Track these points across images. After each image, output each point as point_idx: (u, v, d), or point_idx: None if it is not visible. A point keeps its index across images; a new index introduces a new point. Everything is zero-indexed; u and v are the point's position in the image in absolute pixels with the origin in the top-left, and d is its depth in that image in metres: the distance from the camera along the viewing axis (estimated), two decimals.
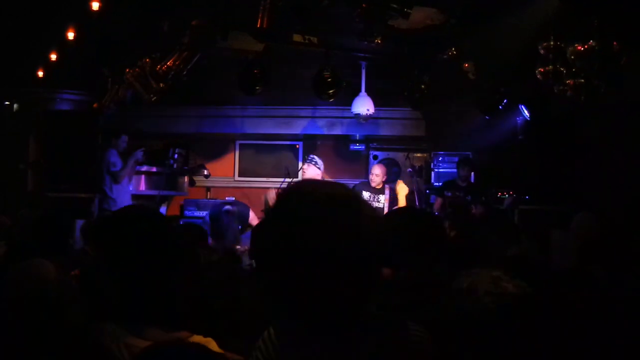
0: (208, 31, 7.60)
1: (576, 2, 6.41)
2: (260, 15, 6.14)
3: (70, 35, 8.02)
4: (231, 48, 8.15)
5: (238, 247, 9.87)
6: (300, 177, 9.60)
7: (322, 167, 9.54)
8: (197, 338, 2.17)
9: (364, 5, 6.02)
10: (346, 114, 10.85)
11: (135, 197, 10.46)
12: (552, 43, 7.02)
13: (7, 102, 10.45)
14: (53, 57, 8.79)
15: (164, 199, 11.44)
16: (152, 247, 2.24)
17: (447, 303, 2.47)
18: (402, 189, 9.45)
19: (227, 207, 7.79)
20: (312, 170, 9.45)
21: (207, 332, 3.19)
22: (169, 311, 2.21)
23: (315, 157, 9.69)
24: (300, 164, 9.63)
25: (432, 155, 11.66)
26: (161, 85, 8.30)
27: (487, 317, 2.27)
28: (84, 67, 9.46)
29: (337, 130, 12.26)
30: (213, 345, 2.17)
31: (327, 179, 9.81)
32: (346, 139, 12.49)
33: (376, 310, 2.69)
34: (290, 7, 6.35)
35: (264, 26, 6.03)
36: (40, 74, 9.41)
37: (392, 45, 8.55)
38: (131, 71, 8.59)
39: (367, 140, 12.38)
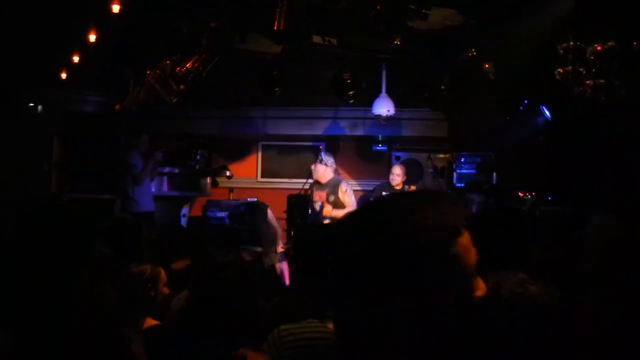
0: (226, 33, 7.65)
1: (593, 2, 6.35)
2: (277, 17, 6.17)
3: (92, 37, 8.11)
4: (249, 50, 8.19)
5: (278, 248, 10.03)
6: (313, 176, 9.59)
7: (330, 163, 9.54)
8: None
9: (378, 7, 6.02)
10: (368, 115, 10.84)
11: (157, 198, 10.53)
12: (571, 43, 6.98)
13: (31, 104, 10.56)
14: (76, 59, 8.89)
15: (186, 200, 11.52)
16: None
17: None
18: (343, 194, 9.49)
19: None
20: (321, 169, 9.46)
21: (219, 331, 3.23)
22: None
23: (324, 155, 9.69)
24: (317, 163, 9.61)
25: (454, 156, 11.62)
26: (181, 87, 8.37)
27: (507, 315, 2.26)
28: (107, 68, 9.56)
29: (360, 131, 12.27)
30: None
31: (339, 174, 9.82)
32: (369, 140, 12.49)
33: None
34: (306, 9, 6.36)
35: (281, 28, 6.06)
36: (64, 75, 9.52)
37: (411, 47, 8.54)
38: (152, 73, 8.67)
39: (389, 141, 12.36)
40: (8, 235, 2.53)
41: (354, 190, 11.82)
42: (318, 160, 9.54)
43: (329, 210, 9.23)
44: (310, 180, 9.91)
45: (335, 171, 9.75)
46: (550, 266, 4.25)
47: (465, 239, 1.35)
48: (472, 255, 1.35)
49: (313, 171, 9.57)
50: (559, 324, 2.24)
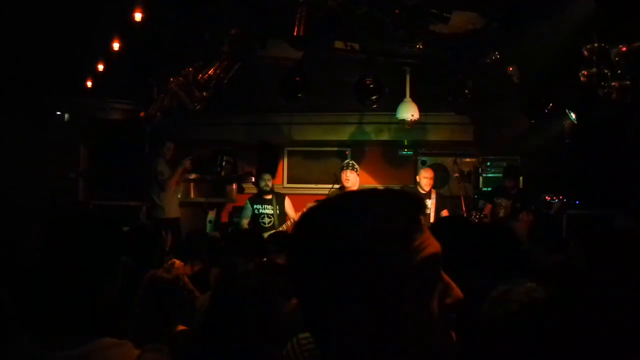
0: (247, 40, 7.68)
1: (616, 3, 6.27)
2: (296, 23, 6.18)
3: (116, 45, 8.18)
4: (270, 56, 8.20)
5: None
6: (344, 185, 9.54)
7: (358, 170, 9.59)
8: (112, 341, 2.12)
9: (397, 11, 6.01)
10: (393, 120, 10.79)
11: (183, 204, 10.59)
12: (595, 44, 6.91)
13: (58, 112, 10.68)
14: (100, 67, 8.98)
15: (211, 206, 11.57)
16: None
17: (478, 311, 2.46)
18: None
19: None
20: (353, 177, 9.46)
21: (238, 339, 3.23)
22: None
23: (352, 162, 9.69)
24: (344, 172, 9.56)
25: (480, 161, 11.56)
26: (204, 93, 8.41)
27: (514, 324, 2.25)
28: (131, 76, 9.63)
29: (385, 136, 12.23)
30: (129, 346, 2.15)
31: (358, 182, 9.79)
32: (394, 145, 12.44)
33: None
34: (325, 15, 6.37)
35: (301, 34, 6.07)
36: (89, 84, 9.61)
37: (434, 51, 8.51)
38: (175, 80, 8.72)
39: (415, 145, 12.32)
40: (37, 243, 2.54)
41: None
42: (350, 167, 9.52)
43: None
44: (336, 186, 9.91)
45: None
46: (565, 269, 4.21)
47: (419, 237, 1.24)
48: (428, 255, 1.23)
49: (344, 179, 9.53)
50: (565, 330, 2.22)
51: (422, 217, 1.28)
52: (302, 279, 1.26)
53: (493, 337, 2.31)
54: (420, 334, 1.20)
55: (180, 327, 4.08)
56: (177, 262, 6.01)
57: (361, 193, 1.32)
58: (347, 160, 9.87)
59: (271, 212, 10.11)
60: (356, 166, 9.63)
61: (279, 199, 10.31)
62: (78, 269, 2.17)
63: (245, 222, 10.05)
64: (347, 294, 1.19)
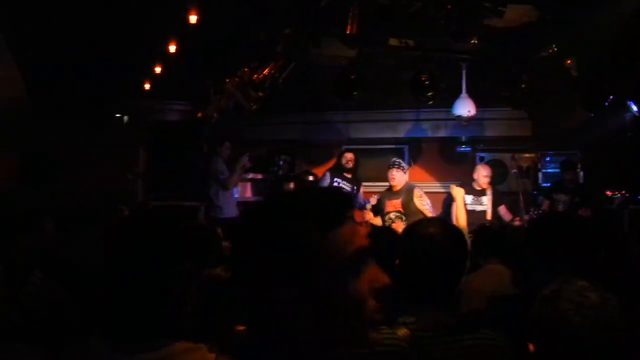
0: (300, 39, 7.71)
1: None
2: (349, 21, 6.19)
3: (172, 48, 8.29)
4: (324, 55, 8.22)
5: None
6: (390, 183, 9.51)
7: (406, 168, 9.52)
8: (187, 345, 2.13)
9: (449, 6, 5.97)
10: (451, 116, 10.70)
11: (241, 203, 10.67)
12: None
13: (117, 115, 10.88)
14: (158, 69, 9.11)
15: None
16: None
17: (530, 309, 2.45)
18: (458, 193, 9.28)
19: None
20: (399, 175, 9.39)
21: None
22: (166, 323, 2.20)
23: (398, 160, 9.62)
24: (389, 170, 9.55)
25: (539, 156, 11.40)
26: (259, 94, 8.47)
27: (563, 324, 2.23)
28: (188, 78, 9.75)
29: (442, 133, 12.16)
30: (204, 350, 2.16)
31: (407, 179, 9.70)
32: (452, 141, 12.35)
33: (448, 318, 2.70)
34: (378, 13, 6.36)
35: (354, 32, 6.08)
36: (147, 86, 9.77)
37: (489, 45, 8.43)
38: (231, 81, 8.80)
39: (472, 141, 12.21)
40: (98, 245, 2.56)
41: (438, 193, 11.79)
42: (396, 166, 9.46)
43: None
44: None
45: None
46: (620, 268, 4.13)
47: (346, 229, 1.46)
48: (354, 246, 1.46)
49: (390, 178, 9.49)
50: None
51: (351, 213, 1.51)
52: (250, 269, 1.46)
53: (543, 335, 2.29)
54: (346, 311, 1.44)
55: (240, 327, 4.10)
56: None
57: (297, 194, 1.62)
58: (393, 159, 9.79)
59: (349, 189, 10.22)
60: (402, 164, 9.55)
61: (357, 182, 10.52)
62: (144, 271, 2.19)
63: None
64: (288, 280, 1.40)
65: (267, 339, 1.46)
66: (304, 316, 1.41)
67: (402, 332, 2.63)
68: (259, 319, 1.48)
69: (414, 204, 9.18)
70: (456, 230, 2.99)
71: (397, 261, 2.86)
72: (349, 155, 10.45)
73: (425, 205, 9.21)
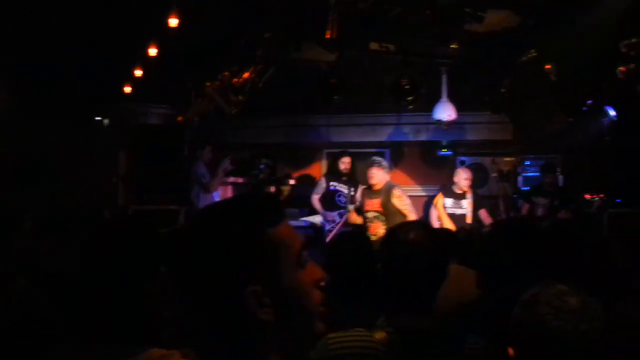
0: (280, 43, 7.71)
1: None
2: (329, 26, 6.20)
3: (153, 51, 8.27)
4: (304, 59, 8.23)
5: None
6: (369, 182, 9.50)
7: (386, 167, 9.48)
8: (160, 352, 2.13)
9: (427, 11, 6.00)
10: (431, 120, 10.75)
11: None
12: (633, 40, 6.81)
13: (98, 118, 10.83)
14: (138, 73, 9.09)
15: None
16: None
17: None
18: (397, 199, 9.29)
19: None
20: (379, 173, 9.35)
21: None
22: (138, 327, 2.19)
23: (379, 158, 9.60)
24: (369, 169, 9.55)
25: (519, 160, 11.45)
26: (240, 97, 8.47)
27: (542, 328, 2.24)
28: (170, 81, 9.72)
29: (423, 137, 12.20)
30: (177, 357, 2.14)
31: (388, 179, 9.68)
32: (433, 145, 12.37)
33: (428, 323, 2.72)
34: (357, 17, 6.38)
35: (333, 36, 6.09)
36: (128, 89, 9.73)
37: (470, 50, 8.46)
38: (212, 84, 8.80)
39: (454, 145, 12.24)
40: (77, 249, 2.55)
41: (419, 196, 11.82)
42: (376, 164, 9.41)
43: (378, 231, 9.11)
44: (362, 186, 9.92)
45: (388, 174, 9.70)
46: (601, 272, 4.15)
47: (284, 226, 1.56)
48: (297, 241, 1.57)
49: (370, 176, 9.46)
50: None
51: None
52: (205, 274, 1.52)
53: (522, 340, 2.30)
54: (299, 299, 1.54)
55: None
56: None
57: (231, 201, 1.70)
58: (374, 157, 9.76)
59: (346, 192, 10.28)
60: (383, 163, 9.48)
61: (355, 185, 10.49)
62: (118, 275, 2.18)
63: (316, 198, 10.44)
64: (250, 279, 1.48)
65: (233, 341, 1.51)
66: (267, 312, 1.49)
67: (380, 335, 2.64)
68: (223, 323, 1.52)
69: (393, 204, 9.15)
70: (437, 234, 3.00)
71: (379, 265, 2.87)
72: (346, 159, 10.44)
73: (404, 205, 9.19)
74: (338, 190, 10.37)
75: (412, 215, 9.17)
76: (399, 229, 2.96)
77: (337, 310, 3.76)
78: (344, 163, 10.45)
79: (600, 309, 2.24)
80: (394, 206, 9.15)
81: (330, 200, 10.32)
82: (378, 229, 9.00)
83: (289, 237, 1.56)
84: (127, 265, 2.19)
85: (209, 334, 1.55)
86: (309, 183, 12.46)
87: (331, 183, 10.52)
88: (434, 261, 2.79)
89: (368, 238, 5.19)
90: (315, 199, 10.48)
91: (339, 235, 8.97)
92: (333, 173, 10.73)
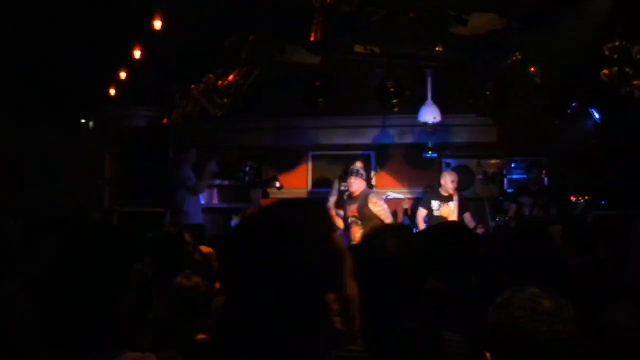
0: (264, 46, 7.71)
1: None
2: (313, 28, 6.19)
3: (137, 53, 8.25)
4: (288, 61, 8.23)
5: None
6: (348, 189, 9.55)
7: (364, 175, 9.53)
8: (135, 356, 2.12)
9: (411, 14, 6.01)
10: (417, 123, 10.76)
11: (207, 210, 10.63)
12: (616, 43, 6.83)
13: (83, 121, 10.79)
14: (123, 75, 9.05)
15: (236, 212, 11.59)
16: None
17: (482, 316, 2.46)
18: (373, 204, 9.35)
19: None
20: (357, 182, 9.42)
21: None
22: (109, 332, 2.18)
23: (356, 167, 9.63)
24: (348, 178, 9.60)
25: (504, 162, 11.48)
26: (225, 100, 8.46)
27: (516, 330, 2.24)
28: (155, 83, 9.69)
29: (409, 139, 12.19)
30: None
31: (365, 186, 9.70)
32: (418, 147, 12.36)
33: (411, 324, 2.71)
34: (341, 20, 6.37)
35: (317, 39, 6.08)
36: (113, 91, 9.69)
37: (454, 53, 8.48)
38: (197, 86, 8.79)
39: (439, 148, 12.25)
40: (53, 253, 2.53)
41: (407, 199, 11.82)
42: (354, 174, 9.47)
43: (355, 235, 9.19)
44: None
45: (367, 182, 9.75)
46: (582, 272, 4.18)
47: (337, 235, 1.53)
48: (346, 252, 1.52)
49: (349, 184, 9.51)
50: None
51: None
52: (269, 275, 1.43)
53: (497, 343, 2.30)
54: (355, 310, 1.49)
55: (201, 336, 4.06)
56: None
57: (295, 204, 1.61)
58: (351, 166, 9.80)
59: None
60: (360, 172, 9.53)
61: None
62: (89, 280, 2.16)
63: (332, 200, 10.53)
64: (329, 285, 1.44)
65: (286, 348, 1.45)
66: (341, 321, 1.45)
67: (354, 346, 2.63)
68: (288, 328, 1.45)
69: (368, 209, 9.23)
70: (412, 237, 3.00)
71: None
72: (358, 164, 10.43)
73: (379, 209, 9.25)
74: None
75: (387, 219, 9.22)
76: (373, 234, 2.97)
77: None
78: (356, 167, 10.48)
79: (574, 311, 2.25)
80: (369, 211, 9.23)
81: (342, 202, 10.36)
82: (356, 234, 9.10)
83: (343, 246, 1.54)
84: (97, 270, 2.17)
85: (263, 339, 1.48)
86: (295, 186, 12.48)
87: (342, 184, 10.55)
88: (409, 264, 2.79)
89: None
90: (332, 201, 10.58)
91: None
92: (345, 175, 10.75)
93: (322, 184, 12.59)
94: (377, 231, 3.04)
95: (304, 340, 1.43)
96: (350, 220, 9.41)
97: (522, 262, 3.94)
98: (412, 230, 7.89)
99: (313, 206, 1.58)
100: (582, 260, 5.20)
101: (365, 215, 9.22)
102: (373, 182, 11.25)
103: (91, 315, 2.14)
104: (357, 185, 9.40)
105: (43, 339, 2.58)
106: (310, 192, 12.66)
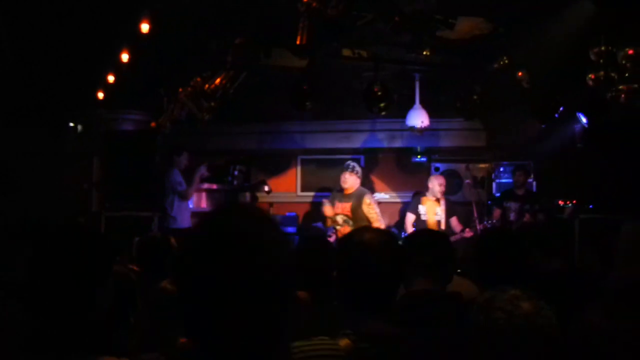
0: (250, 49, 7.71)
1: (612, 5, 6.25)
2: (299, 32, 6.18)
3: (125, 57, 8.22)
4: (275, 65, 8.23)
5: None
6: (342, 185, 9.54)
7: (359, 173, 9.52)
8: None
9: (396, 19, 6.01)
10: (406, 127, 10.78)
11: (195, 214, 10.62)
12: (602, 48, 6.85)
13: (71, 124, 10.75)
14: (111, 79, 9.03)
15: None
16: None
17: (462, 318, 2.47)
18: (367, 206, 9.36)
19: None
20: (351, 178, 9.40)
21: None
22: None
23: (353, 164, 9.62)
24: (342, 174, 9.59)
25: (493, 166, 11.51)
26: (212, 103, 8.45)
27: (495, 332, 2.25)
28: (143, 87, 9.67)
29: (398, 143, 12.22)
30: None
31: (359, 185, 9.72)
32: (407, 152, 12.40)
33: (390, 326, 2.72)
34: (327, 24, 6.36)
35: (303, 42, 6.07)
36: (101, 95, 9.67)
37: (442, 57, 8.49)
38: (184, 90, 8.77)
39: (428, 152, 12.28)
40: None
41: (394, 203, 11.85)
42: (349, 169, 9.46)
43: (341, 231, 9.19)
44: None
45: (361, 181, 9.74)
46: (562, 276, 4.19)
47: None
48: None
49: (342, 180, 9.49)
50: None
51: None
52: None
53: (478, 345, 2.30)
54: None
55: (183, 340, 4.05)
56: None
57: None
58: (347, 162, 9.81)
59: None
60: (356, 168, 9.55)
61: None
62: (66, 283, 2.16)
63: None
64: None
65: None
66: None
67: (344, 342, 2.64)
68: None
69: (362, 210, 9.21)
70: (391, 237, 3.00)
71: (334, 272, 2.88)
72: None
73: (372, 213, 9.25)
74: None
75: (378, 223, 9.21)
76: (353, 234, 2.98)
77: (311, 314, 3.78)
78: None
79: (553, 314, 2.26)
80: (362, 212, 9.22)
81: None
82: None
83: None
84: (75, 273, 2.16)
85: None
86: (283, 189, 12.48)
87: None
88: (387, 263, 2.80)
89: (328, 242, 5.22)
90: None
91: (303, 239, 9.09)
92: None
93: (311, 187, 12.63)
94: (357, 231, 3.05)
95: (274, 339, 1.49)
96: (340, 219, 9.37)
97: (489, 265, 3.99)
98: (395, 234, 7.93)
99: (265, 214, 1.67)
100: (559, 264, 5.21)
101: (358, 217, 9.20)
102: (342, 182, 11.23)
103: (68, 318, 2.13)
104: (351, 181, 9.40)
105: (20, 341, 2.58)
106: (299, 196, 12.68)
